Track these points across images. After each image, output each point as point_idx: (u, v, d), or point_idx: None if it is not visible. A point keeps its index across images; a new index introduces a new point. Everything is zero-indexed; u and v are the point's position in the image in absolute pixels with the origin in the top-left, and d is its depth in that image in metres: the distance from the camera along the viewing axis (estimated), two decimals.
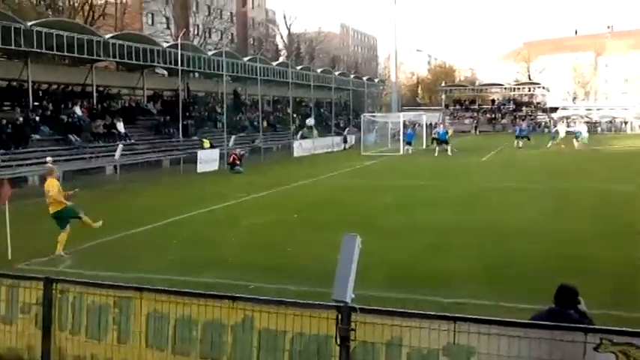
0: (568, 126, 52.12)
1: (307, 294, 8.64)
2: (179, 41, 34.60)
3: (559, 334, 3.82)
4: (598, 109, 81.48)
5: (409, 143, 42.17)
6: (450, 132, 43.67)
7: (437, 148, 38.28)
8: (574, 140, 40.42)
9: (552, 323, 4.04)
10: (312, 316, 4.74)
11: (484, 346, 4.07)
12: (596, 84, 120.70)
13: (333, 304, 4.55)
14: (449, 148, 37.67)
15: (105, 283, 6.19)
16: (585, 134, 41.89)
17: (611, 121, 71.55)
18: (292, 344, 4.87)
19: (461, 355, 4.18)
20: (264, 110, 46.81)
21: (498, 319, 4.25)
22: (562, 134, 42.25)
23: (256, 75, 41.75)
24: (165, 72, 41.99)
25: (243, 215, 16.69)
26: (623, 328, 3.74)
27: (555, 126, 51.43)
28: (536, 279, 9.26)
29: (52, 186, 11.82)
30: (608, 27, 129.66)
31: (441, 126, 42.11)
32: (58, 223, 11.93)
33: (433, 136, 42.90)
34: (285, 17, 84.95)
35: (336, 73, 58.90)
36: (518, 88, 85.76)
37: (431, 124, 64.21)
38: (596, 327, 4.12)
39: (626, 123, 72.28)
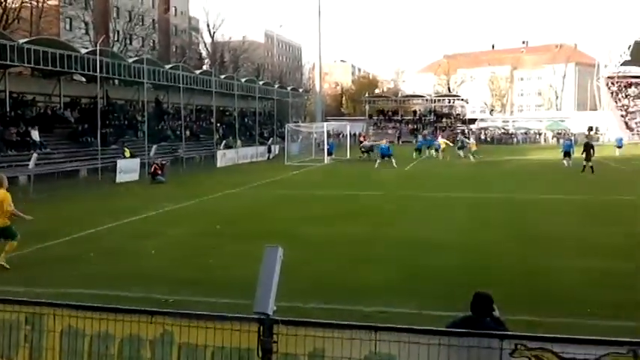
0: (448, 138, 53.81)
1: (229, 306, 8.52)
2: (98, 47, 33.67)
3: (476, 341, 3.86)
4: (514, 121, 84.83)
5: (330, 153, 42.60)
6: (442, 143, 44.47)
7: (378, 161, 37.25)
8: (459, 152, 42.13)
9: (470, 330, 4.09)
10: (233, 329, 4.63)
11: (404, 354, 4.08)
12: (512, 97, 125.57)
13: (255, 316, 4.48)
14: (393, 161, 36.92)
15: (16, 299, 5.88)
16: (467, 145, 43.38)
17: (526, 133, 74.58)
18: (213, 358, 4.75)
19: None
20: (186, 119, 46.15)
21: (418, 327, 4.27)
22: (442, 145, 43.94)
23: (179, 83, 41.15)
24: (84, 79, 40.77)
25: (164, 226, 16.33)
26: (537, 334, 3.83)
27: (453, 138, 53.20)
28: (454, 288, 9.44)
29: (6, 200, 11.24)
30: (524, 42, 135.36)
31: (384, 141, 42.03)
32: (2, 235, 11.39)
33: (362, 148, 43.62)
34: (208, 25, 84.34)
35: (261, 83, 58.88)
36: (439, 100, 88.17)
37: (355, 134, 65.13)
38: (511, 333, 4.21)
39: (540, 134, 75.56)
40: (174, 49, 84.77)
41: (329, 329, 4.34)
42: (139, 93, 43.33)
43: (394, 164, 36.38)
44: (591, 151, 31.18)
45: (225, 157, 41.84)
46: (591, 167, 30.23)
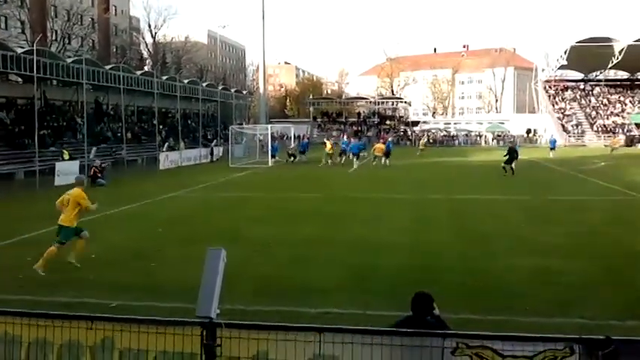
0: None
1: (172, 310, 8.40)
2: (35, 47, 32.65)
3: (419, 340, 3.90)
4: (455, 124, 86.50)
5: (273, 156, 42.34)
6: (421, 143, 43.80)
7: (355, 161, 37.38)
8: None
9: (412, 330, 4.14)
10: (176, 333, 4.55)
11: (348, 355, 4.09)
12: (453, 99, 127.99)
13: (198, 320, 4.41)
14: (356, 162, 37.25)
15: None
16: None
17: (467, 135, 76.14)
18: None
19: None
20: (127, 121, 45.26)
21: (362, 327, 4.30)
22: (328, 149, 42.05)
23: (119, 84, 40.33)
24: (20, 79, 39.48)
25: (104, 230, 15.93)
26: (478, 332, 3.90)
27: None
28: (399, 287, 9.54)
29: (82, 197, 11.60)
30: (464, 46, 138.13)
31: (344, 136, 41.53)
32: (61, 234, 11.48)
33: (288, 151, 43.50)
34: (150, 25, 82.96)
35: (204, 84, 58.24)
36: (383, 102, 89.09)
37: (299, 136, 65.21)
38: (452, 332, 4.27)
39: (480, 136, 77.29)
40: (114, 50, 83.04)
41: (273, 331, 4.32)
42: (77, 94, 42.26)
43: (355, 165, 36.67)
44: (515, 154, 31.45)
45: (167, 159, 41.22)
46: (512, 169, 30.49)
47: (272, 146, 42.73)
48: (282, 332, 4.28)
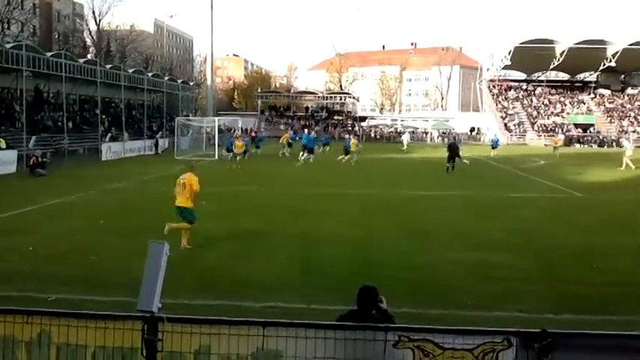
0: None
1: (112, 304, 8.25)
2: None
3: (362, 334, 3.93)
4: (402, 120, 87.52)
5: (230, 150, 40.68)
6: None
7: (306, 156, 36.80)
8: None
9: (356, 324, 4.16)
10: (116, 327, 4.46)
11: (292, 349, 4.09)
12: (400, 96, 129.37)
13: (139, 314, 4.33)
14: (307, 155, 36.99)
15: None
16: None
17: (413, 132, 77.11)
18: (94, 358, 4.55)
19: (269, 359, 4.18)
20: (69, 110, 44.05)
21: (305, 322, 4.29)
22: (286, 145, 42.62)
23: (61, 72, 39.14)
24: None
25: (43, 222, 15.53)
26: (419, 325, 3.95)
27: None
28: (343, 281, 9.60)
29: (195, 182, 12.88)
30: (412, 44, 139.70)
31: (306, 130, 41.39)
32: (182, 216, 12.75)
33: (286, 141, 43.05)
34: (94, 12, 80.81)
35: (149, 74, 57.08)
36: (331, 97, 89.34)
37: (247, 129, 64.81)
38: (394, 325, 4.32)
39: (426, 133, 78.44)
40: (56, 36, 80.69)
41: (216, 326, 4.28)
42: (17, 81, 40.81)
43: (303, 159, 36.53)
44: (456, 151, 31.34)
45: (110, 150, 40.33)
46: (453, 166, 30.63)
47: (230, 141, 40.96)
48: (225, 326, 4.25)
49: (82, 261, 11.33)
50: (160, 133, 52.27)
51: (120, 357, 4.47)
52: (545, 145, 65.08)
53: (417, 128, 79.74)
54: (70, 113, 44.59)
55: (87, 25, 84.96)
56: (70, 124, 42.21)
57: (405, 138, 57.91)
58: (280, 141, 43.65)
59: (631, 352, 3.63)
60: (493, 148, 46.92)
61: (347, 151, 37.79)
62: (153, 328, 4.27)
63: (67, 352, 4.57)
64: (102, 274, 10.39)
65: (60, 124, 40.21)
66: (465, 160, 32.83)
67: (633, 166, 33.49)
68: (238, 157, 34.07)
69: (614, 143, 66.90)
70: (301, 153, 37.14)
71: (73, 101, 48.78)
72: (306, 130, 47.62)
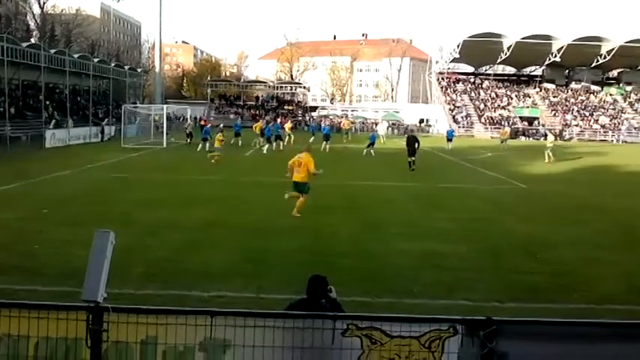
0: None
1: (55, 294, 8.06)
2: None
3: (310, 323, 3.94)
4: (353, 111, 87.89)
5: (205, 139, 37.61)
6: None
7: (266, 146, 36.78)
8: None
9: (305, 312, 4.17)
10: (59, 318, 4.35)
11: (240, 338, 4.07)
12: (351, 87, 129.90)
13: (83, 304, 4.24)
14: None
15: None
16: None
17: (364, 122, 77.54)
18: (37, 350, 4.43)
19: (217, 348, 4.15)
20: (11, 95, 42.65)
21: (254, 311, 4.29)
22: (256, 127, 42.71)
23: (2, 56, 37.83)
24: None
25: None
26: (367, 314, 3.98)
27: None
28: (292, 271, 9.62)
29: (311, 161, 15.20)
30: (363, 35, 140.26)
31: (265, 121, 40.93)
32: (298, 189, 15.34)
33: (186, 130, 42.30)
34: None
35: (95, 60, 55.71)
36: (282, 87, 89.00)
37: (196, 117, 64.06)
38: (342, 314, 4.34)
39: (376, 124, 78.98)
40: None
41: (162, 315, 4.22)
42: None
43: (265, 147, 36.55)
44: (416, 145, 28.81)
45: (54, 137, 39.27)
46: (413, 162, 28.33)
47: (205, 129, 38.87)
48: (172, 316, 4.20)
49: (24, 250, 11.03)
50: (107, 120, 51.17)
51: (64, 348, 4.37)
52: (492, 137, 66.39)
53: (367, 119, 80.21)
54: (13, 99, 43.19)
55: (30, 8, 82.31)
56: (13, 110, 40.91)
57: (381, 128, 55.85)
58: (253, 129, 42.83)
59: (571, 339, 3.74)
60: (448, 140, 45.10)
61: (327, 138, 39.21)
62: (98, 319, 4.19)
63: (8, 343, 4.45)
64: (45, 263, 10.15)
65: (1, 110, 38.91)
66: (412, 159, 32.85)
67: (552, 159, 33.85)
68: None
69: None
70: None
71: (15, 87, 47.23)
72: (278, 120, 47.21)
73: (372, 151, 36.21)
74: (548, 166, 32.50)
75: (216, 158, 28.38)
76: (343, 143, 39.31)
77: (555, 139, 39.18)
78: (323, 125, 47.56)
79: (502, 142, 48.87)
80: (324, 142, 38.99)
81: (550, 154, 34.07)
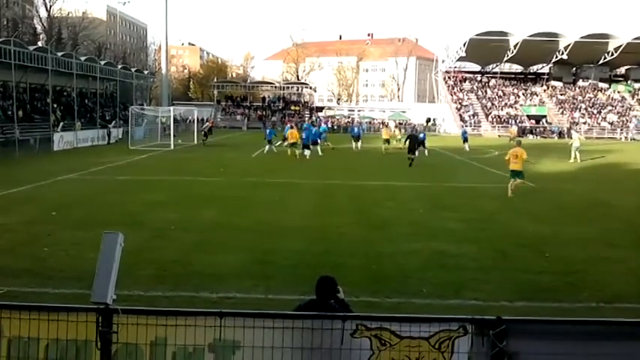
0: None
1: (65, 297, 8.09)
2: None
3: (319, 323, 3.94)
4: (359, 111, 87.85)
5: (270, 142, 37.56)
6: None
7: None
8: None
9: (313, 313, 4.17)
10: (69, 320, 4.37)
11: (249, 339, 4.07)
12: (357, 87, 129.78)
13: (93, 306, 4.25)
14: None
15: None
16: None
17: (370, 122, 77.51)
18: (47, 352, 4.45)
19: (227, 350, 4.15)
20: (19, 99, 42.83)
21: (263, 311, 4.29)
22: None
23: (10, 59, 37.99)
24: None
25: None
26: (376, 314, 3.98)
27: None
28: (301, 272, 9.62)
29: (524, 152, 19.66)
30: (369, 34, 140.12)
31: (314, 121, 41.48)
32: (517, 176, 19.63)
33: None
34: None
35: (102, 63, 55.90)
36: (288, 87, 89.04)
37: (202, 119, 64.18)
38: (352, 314, 4.34)
39: (383, 124, 78.89)
40: (4, 22, 78.20)
41: (172, 317, 4.23)
42: None
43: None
44: (416, 142, 30.40)
45: (62, 140, 39.44)
46: (412, 160, 29.37)
47: (270, 131, 38.69)
48: (181, 317, 4.21)
49: (33, 253, 11.07)
50: (114, 122, 51.33)
51: (74, 350, 4.38)
52: (499, 135, 66.23)
53: (373, 119, 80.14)
54: (21, 102, 43.37)
55: (37, 11, 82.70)
56: (21, 113, 41.11)
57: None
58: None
59: (581, 338, 3.73)
60: (465, 141, 43.00)
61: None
62: (107, 320, 4.20)
63: (18, 345, 4.47)
64: (54, 266, 10.17)
65: (10, 113, 39.11)
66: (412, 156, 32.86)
67: (579, 160, 33.79)
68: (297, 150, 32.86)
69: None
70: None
71: (23, 90, 47.43)
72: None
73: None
74: (570, 164, 32.51)
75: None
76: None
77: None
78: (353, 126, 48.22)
79: (510, 140, 48.62)
80: (355, 142, 40.59)
81: (578, 154, 34.00)
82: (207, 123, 46.99)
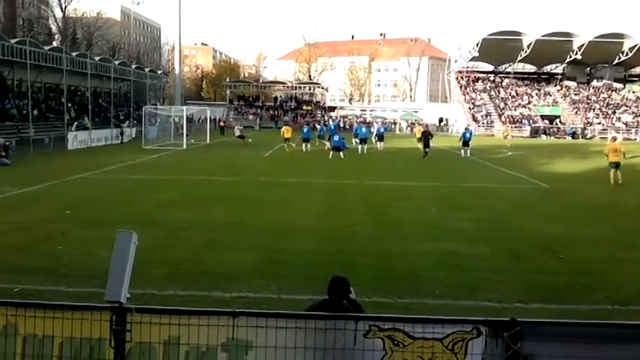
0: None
1: (79, 295, 8.14)
2: None
3: (332, 324, 3.93)
4: (371, 110, 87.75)
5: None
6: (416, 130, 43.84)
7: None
8: None
9: (326, 313, 4.16)
10: (83, 318, 4.39)
11: (262, 339, 4.07)
12: (369, 86, 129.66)
13: (107, 305, 4.27)
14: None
15: None
16: None
17: (382, 122, 77.36)
18: (62, 350, 4.47)
19: (240, 349, 4.16)
20: (34, 98, 43.16)
21: (276, 311, 4.29)
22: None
23: (25, 59, 38.29)
24: None
25: (7, 212, 15.23)
26: (389, 315, 3.96)
27: None
28: (313, 272, 9.61)
29: (621, 146, 22.76)
30: (381, 34, 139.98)
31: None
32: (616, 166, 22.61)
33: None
34: None
35: (116, 62, 56.19)
36: (300, 87, 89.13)
37: (215, 118, 64.40)
38: (365, 315, 4.32)
39: (395, 124, 78.83)
40: (20, 23, 78.85)
41: (185, 316, 4.24)
42: None
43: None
44: (429, 137, 35.53)
45: (76, 139, 39.73)
46: (427, 153, 34.40)
47: (307, 129, 40.65)
48: (194, 317, 4.22)
49: (48, 251, 11.14)
50: (127, 122, 51.60)
51: (88, 348, 4.40)
52: (512, 136, 65.90)
53: (385, 119, 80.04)
54: (35, 101, 43.70)
55: (52, 11, 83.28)
56: (36, 112, 41.42)
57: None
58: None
59: (597, 340, 3.69)
60: (465, 144, 37.94)
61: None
62: (121, 319, 4.22)
63: (33, 343, 4.49)
64: (68, 264, 10.23)
65: (25, 112, 39.42)
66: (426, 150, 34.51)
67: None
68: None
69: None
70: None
71: (38, 89, 47.79)
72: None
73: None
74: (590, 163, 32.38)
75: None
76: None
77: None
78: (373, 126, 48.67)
79: (505, 137, 51.55)
80: (379, 143, 41.20)
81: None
82: (237, 130, 47.04)
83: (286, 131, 40.72)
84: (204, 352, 4.21)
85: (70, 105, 46.92)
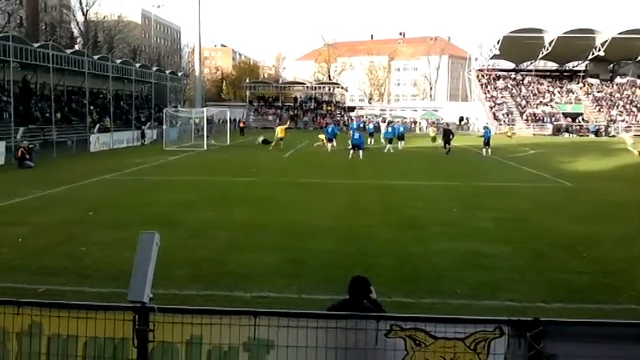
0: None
1: (103, 295, 8.22)
2: None
3: (353, 323, 3.93)
4: (391, 110, 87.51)
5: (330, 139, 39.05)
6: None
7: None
8: None
9: (347, 313, 4.16)
10: (107, 318, 4.43)
11: (283, 338, 4.08)
12: (389, 86, 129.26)
13: (130, 304, 4.31)
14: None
15: None
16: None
17: (402, 122, 77.12)
18: (85, 349, 4.52)
19: (261, 349, 4.17)
20: (57, 101, 43.70)
21: (297, 311, 4.29)
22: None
23: (48, 63, 38.78)
24: None
25: (32, 213, 15.43)
26: (411, 314, 3.95)
27: None
28: (333, 272, 9.61)
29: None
30: (401, 34, 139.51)
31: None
32: None
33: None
34: (81, 2, 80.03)
35: (137, 65, 56.71)
36: (319, 87, 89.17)
37: (235, 119, 64.68)
38: (386, 314, 4.32)
39: (415, 123, 78.53)
40: (43, 27, 79.81)
41: (207, 316, 4.27)
42: (4, 72, 40.49)
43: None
44: (450, 136, 37.18)
45: (99, 141, 40.15)
46: (449, 149, 36.30)
47: (332, 129, 40.61)
48: (216, 316, 4.24)
49: (71, 252, 11.26)
50: (148, 124, 52.01)
51: (111, 348, 4.45)
52: (534, 134, 65.32)
53: (405, 118, 79.78)
54: (58, 104, 44.25)
55: (74, 15, 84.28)
56: (59, 115, 41.93)
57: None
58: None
59: (621, 340, 3.65)
60: (486, 144, 36.92)
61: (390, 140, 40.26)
62: (144, 319, 4.25)
63: (58, 343, 4.54)
64: (92, 265, 10.33)
65: (48, 115, 39.92)
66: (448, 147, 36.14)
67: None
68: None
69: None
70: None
71: (60, 92, 48.39)
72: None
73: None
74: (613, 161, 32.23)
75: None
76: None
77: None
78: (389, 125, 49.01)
79: (509, 137, 53.55)
80: (400, 142, 40.91)
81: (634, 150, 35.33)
82: (259, 140, 46.30)
83: (280, 130, 40.76)
84: (226, 352, 4.23)
85: (92, 108, 47.44)
